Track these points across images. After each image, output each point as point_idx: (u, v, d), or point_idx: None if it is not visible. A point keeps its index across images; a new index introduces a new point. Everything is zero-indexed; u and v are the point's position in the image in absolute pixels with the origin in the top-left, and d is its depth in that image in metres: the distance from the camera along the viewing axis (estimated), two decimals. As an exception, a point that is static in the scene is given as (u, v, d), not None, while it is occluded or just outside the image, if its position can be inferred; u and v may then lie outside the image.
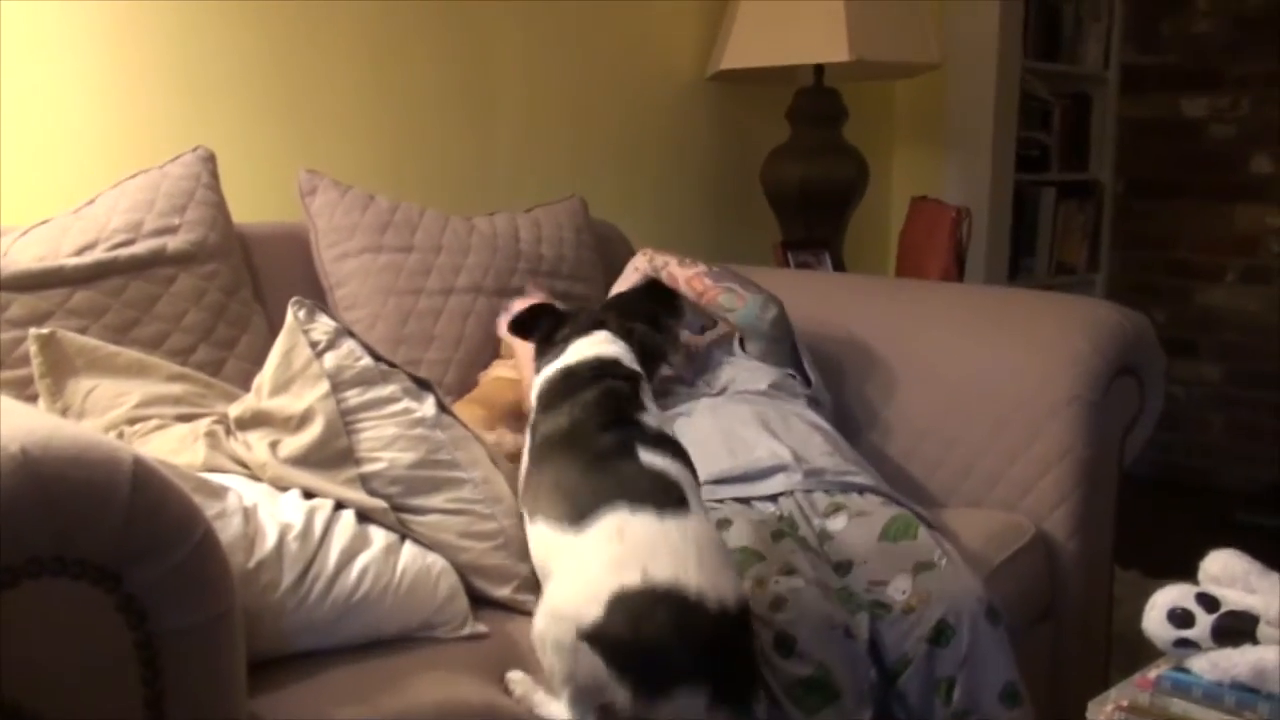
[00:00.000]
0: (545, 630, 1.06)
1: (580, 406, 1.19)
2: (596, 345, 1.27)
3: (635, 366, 1.26)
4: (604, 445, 1.14)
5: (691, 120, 2.86)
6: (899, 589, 1.39)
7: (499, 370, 1.87)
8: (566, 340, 1.29)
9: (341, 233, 1.95)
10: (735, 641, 1.05)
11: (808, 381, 1.88)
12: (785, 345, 1.87)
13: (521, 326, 1.35)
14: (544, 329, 1.33)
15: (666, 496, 1.10)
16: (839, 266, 2.83)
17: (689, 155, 2.87)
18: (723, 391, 1.81)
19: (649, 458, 1.13)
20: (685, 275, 1.83)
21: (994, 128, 3.18)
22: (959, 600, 1.36)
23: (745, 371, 1.84)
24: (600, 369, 1.24)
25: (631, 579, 1.01)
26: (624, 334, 1.29)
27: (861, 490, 1.61)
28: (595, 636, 1.01)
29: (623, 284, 1.89)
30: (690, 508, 1.11)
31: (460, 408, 1.65)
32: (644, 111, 2.75)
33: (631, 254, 2.43)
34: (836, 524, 1.51)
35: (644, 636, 0.99)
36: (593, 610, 1.01)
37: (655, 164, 2.80)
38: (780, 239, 2.85)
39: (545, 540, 1.14)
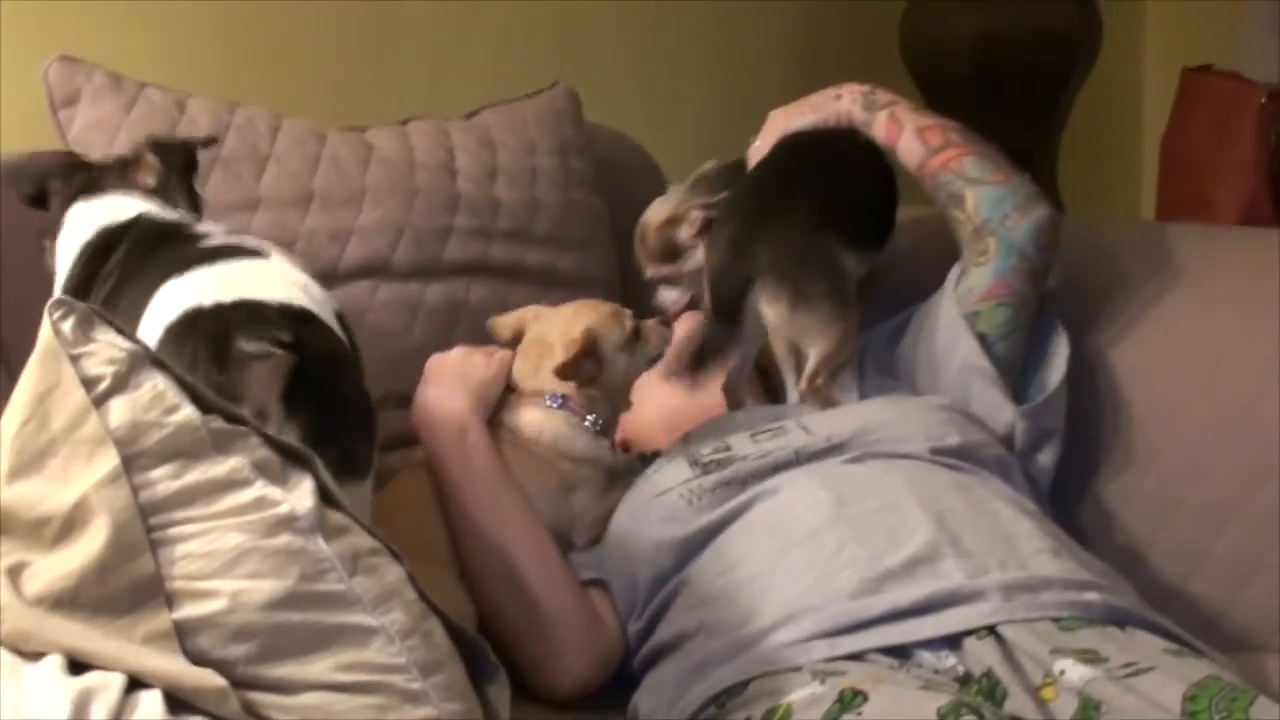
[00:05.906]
0: None
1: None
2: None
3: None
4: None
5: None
6: None
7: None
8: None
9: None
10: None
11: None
12: (1033, 300, 1.98)
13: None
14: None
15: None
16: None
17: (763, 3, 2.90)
18: (838, 447, 1.84)
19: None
20: (918, 123, 2.09)
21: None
22: None
23: (891, 411, 1.88)
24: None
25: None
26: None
27: (1123, 621, 1.63)
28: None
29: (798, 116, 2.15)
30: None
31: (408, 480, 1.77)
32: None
33: (662, 185, 2.43)
34: (1082, 679, 1.52)
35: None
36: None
37: (704, 24, 2.82)
38: (939, 152, 2.87)
39: None
